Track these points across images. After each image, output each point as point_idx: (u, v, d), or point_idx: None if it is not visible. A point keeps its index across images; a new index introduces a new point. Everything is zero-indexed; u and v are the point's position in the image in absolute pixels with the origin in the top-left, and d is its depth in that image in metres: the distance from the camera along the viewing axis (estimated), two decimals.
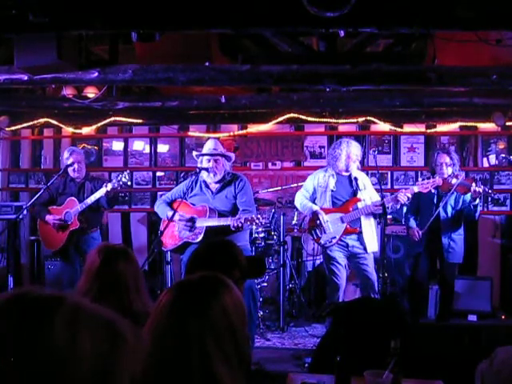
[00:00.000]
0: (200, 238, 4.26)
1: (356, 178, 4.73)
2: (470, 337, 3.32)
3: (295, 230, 6.02)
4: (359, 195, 4.73)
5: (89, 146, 7.08)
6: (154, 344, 1.31)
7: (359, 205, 4.70)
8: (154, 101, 5.81)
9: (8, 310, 0.80)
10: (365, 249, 4.68)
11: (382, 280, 4.49)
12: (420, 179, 4.83)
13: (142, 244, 6.95)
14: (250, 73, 4.37)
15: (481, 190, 4.66)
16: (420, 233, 4.93)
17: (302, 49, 4.45)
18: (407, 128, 6.53)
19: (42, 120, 6.54)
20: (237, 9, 3.21)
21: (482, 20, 3.11)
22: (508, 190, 6.38)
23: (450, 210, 4.95)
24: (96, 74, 4.36)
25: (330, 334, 3.16)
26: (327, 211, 4.76)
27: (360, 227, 4.70)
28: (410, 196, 4.62)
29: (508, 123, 5.99)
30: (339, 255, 4.75)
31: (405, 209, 5.20)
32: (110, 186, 4.84)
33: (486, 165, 6.46)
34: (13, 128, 6.77)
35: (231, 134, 6.76)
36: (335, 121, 6.34)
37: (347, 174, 4.79)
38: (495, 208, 6.42)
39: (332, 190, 4.79)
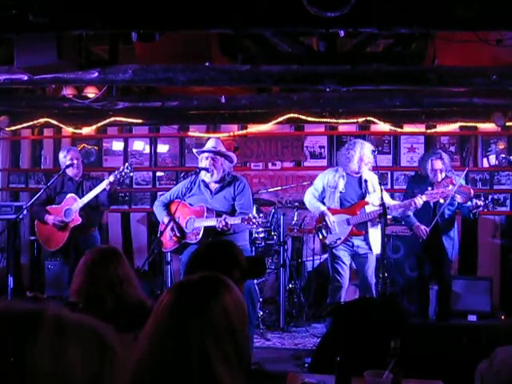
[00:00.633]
0: (199, 238, 4.25)
1: (366, 180, 4.72)
2: (469, 337, 3.32)
3: (295, 230, 6.02)
4: (367, 198, 4.72)
5: (89, 146, 7.09)
6: (155, 344, 1.31)
7: (367, 208, 4.70)
8: (154, 101, 5.81)
9: None
10: (370, 249, 4.68)
11: (381, 280, 4.49)
12: (429, 188, 4.75)
13: (142, 244, 6.95)
14: (250, 73, 4.37)
15: (481, 203, 4.66)
16: (427, 230, 4.82)
17: (302, 49, 4.45)
18: (407, 128, 6.53)
19: (42, 120, 6.54)
20: (237, 9, 3.21)
21: (482, 20, 3.11)
22: (508, 191, 6.38)
23: (446, 211, 4.94)
24: (96, 74, 4.36)
25: (330, 334, 3.16)
26: (334, 212, 4.78)
27: (366, 229, 4.71)
28: (419, 204, 4.62)
29: (508, 123, 6.00)
30: (344, 254, 4.80)
31: None
32: (112, 178, 4.82)
33: (485, 165, 6.46)
34: (13, 128, 6.77)
35: (231, 134, 6.76)
36: (335, 121, 6.34)
37: (358, 175, 4.79)
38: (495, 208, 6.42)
39: (341, 192, 4.80)
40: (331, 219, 4.74)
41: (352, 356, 2.24)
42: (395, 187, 6.52)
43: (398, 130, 6.51)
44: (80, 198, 5.00)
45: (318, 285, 6.00)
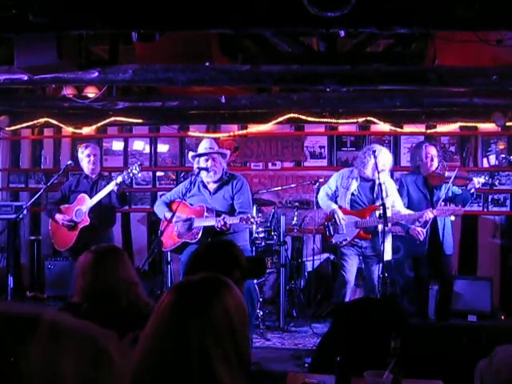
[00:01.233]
0: (198, 238, 4.26)
1: (380, 185, 4.67)
2: (469, 337, 3.32)
3: (295, 230, 6.02)
4: (378, 203, 4.68)
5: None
6: (155, 344, 1.31)
7: (377, 213, 4.70)
8: (154, 101, 5.81)
9: None
10: (377, 255, 4.65)
11: (381, 280, 4.50)
12: (442, 203, 4.70)
13: (142, 244, 6.95)
14: (250, 73, 4.37)
15: (482, 181, 4.67)
16: (423, 232, 4.78)
17: (302, 49, 4.45)
18: (407, 128, 6.53)
19: (42, 120, 6.54)
20: (237, 9, 3.21)
21: (482, 20, 3.11)
22: (508, 191, 6.37)
23: (441, 202, 4.90)
24: (96, 73, 4.36)
25: (330, 333, 3.16)
26: (345, 212, 4.81)
27: (374, 235, 4.73)
28: (429, 219, 4.63)
29: (508, 123, 5.99)
30: (351, 253, 4.84)
31: None
32: (119, 179, 4.75)
33: (486, 165, 6.46)
34: (13, 128, 6.77)
35: (231, 134, 6.76)
36: (335, 121, 6.34)
37: (371, 180, 4.79)
38: (495, 208, 6.42)
39: (353, 194, 4.82)
40: (341, 217, 4.76)
41: (352, 356, 2.24)
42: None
43: (398, 130, 6.51)
44: (92, 198, 4.94)
45: (317, 285, 6.00)
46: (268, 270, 5.60)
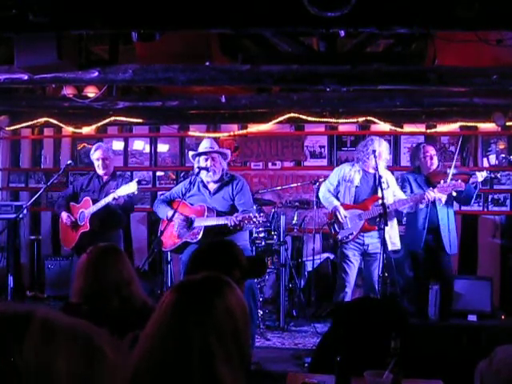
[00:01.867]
0: (199, 237, 4.26)
1: (380, 177, 4.70)
2: (469, 337, 3.33)
3: (295, 230, 6.03)
4: (381, 193, 4.70)
5: (89, 146, 7.08)
6: (157, 343, 1.31)
7: (379, 202, 4.69)
8: (154, 100, 5.81)
9: None
10: (384, 246, 4.58)
11: (381, 280, 4.50)
12: (442, 181, 4.70)
13: (142, 244, 6.95)
14: (250, 73, 4.37)
15: (485, 174, 4.67)
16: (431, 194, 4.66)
17: (302, 49, 4.44)
18: (407, 128, 6.53)
19: (42, 119, 6.54)
20: (237, 9, 3.21)
21: (483, 20, 3.11)
22: (508, 190, 6.38)
23: (443, 199, 4.86)
24: (96, 73, 4.36)
25: (330, 333, 3.16)
26: (347, 207, 4.81)
27: (380, 225, 4.69)
28: (432, 198, 4.64)
29: (508, 123, 5.99)
30: (353, 253, 4.82)
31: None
32: (117, 194, 4.63)
33: (486, 165, 6.45)
34: (13, 127, 6.78)
35: (231, 133, 6.76)
36: (335, 121, 6.34)
37: (373, 171, 4.80)
38: (495, 208, 6.42)
39: (357, 186, 4.83)
40: (343, 214, 4.76)
41: (352, 356, 2.24)
42: None
43: (398, 129, 6.51)
44: (102, 198, 4.85)
45: (318, 284, 6.01)
46: (268, 270, 5.60)
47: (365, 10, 3.07)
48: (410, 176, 5.12)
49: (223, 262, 2.21)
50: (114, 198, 4.66)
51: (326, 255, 6.23)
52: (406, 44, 4.70)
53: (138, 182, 4.76)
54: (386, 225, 4.43)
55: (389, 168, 6.51)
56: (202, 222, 4.26)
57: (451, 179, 4.76)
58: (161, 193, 6.28)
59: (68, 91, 5.52)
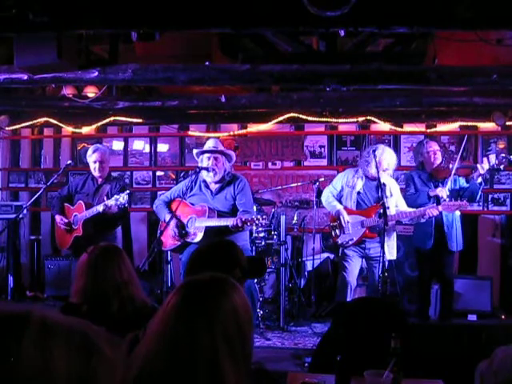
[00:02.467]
0: (199, 237, 4.25)
1: (384, 185, 4.69)
2: (469, 336, 3.32)
3: (295, 230, 6.02)
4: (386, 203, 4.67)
5: (89, 146, 7.08)
6: (163, 343, 1.30)
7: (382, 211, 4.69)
8: (154, 100, 5.81)
9: None
10: (383, 254, 4.63)
11: (381, 280, 4.50)
12: (447, 199, 4.66)
13: (142, 244, 6.95)
14: (250, 72, 4.36)
15: (487, 167, 4.66)
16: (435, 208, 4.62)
17: (302, 48, 4.45)
18: (407, 127, 6.53)
19: (41, 119, 6.54)
20: (237, 8, 3.20)
21: (483, 20, 3.11)
22: (508, 190, 6.38)
23: (444, 195, 4.79)
24: (96, 73, 4.36)
25: (330, 333, 3.16)
26: (350, 212, 4.80)
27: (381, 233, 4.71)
28: (434, 215, 4.61)
29: (508, 123, 5.99)
30: (354, 254, 4.84)
31: None
32: (107, 204, 4.58)
33: (485, 164, 6.44)
34: (13, 127, 6.78)
35: (231, 133, 6.76)
36: (335, 120, 6.33)
37: (375, 180, 4.77)
38: (495, 208, 6.42)
39: (358, 192, 4.82)
40: (346, 218, 4.76)
41: (352, 356, 2.25)
42: None
43: (398, 129, 6.51)
44: (95, 202, 4.85)
45: (317, 284, 6.00)
46: (268, 270, 5.60)
47: (365, 9, 3.07)
48: (413, 174, 5.10)
49: (223, 262, 2.21)
50: (106, 206, 4.60)
51: (326, 255, 6.23)
52: (406, 43, 4.71)
53: (130, 195, 4.72)
54: (387, 224, 4.43)
55: None
56: (203, 223, 4.25)
57: (454, 174, 4.77)
58: (160, 192, 6.28)
59: (68, 91, 5.52)
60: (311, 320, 5.54)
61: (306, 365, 4.19)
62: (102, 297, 2.31)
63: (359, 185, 4.83)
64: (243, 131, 6.75)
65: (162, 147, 7.03)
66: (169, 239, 4.47)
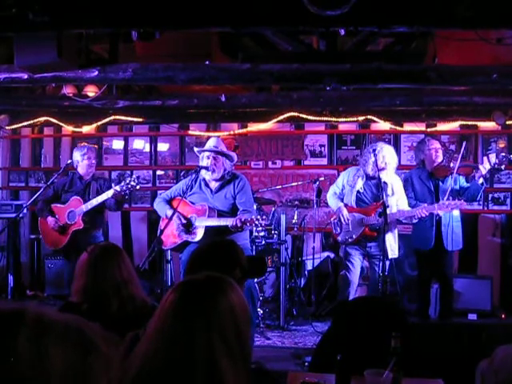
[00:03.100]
0: (199, 237, 4.25)
1: (385, 183, 4.69)
2: (469, 336, 3.32)
3: (295, 229, 6.02)
4: (387, 202, 4.66)
5: (89, 145, 7.08)
6: (161, 341, 1.31)
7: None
8: (154, 99, 5.81)
9: None
10: (384, 252, 4.61)
11: (381, 280, 4.50)
12: (445, 199, 4.66)
13: (143, 243, 6.95)
14: (250, 71, 4.36)
15: (488, 166, 4.66)
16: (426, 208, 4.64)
17: (302, 47, 4.44)
18: (407, 127, 6.53)
19: (42, 119, 6.54)
20: (237, 8, 3.20)
21: (483, 19, 3.11)
22: (508, 189, 6.37)
23: (447, 195, 4.82)
24: (96, 72, 4.36)
25: (331, 332, 3.16)
26: (351, 210, 4.83)
27: (381, 233, 4.70)
28: (422, 215, 4.61)
29: (508, 122, 5.99)
30: (355, 253, 4.86)
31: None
32: (118, 188, 4.73)
33: (486, 164, 6.44)
34: (13, 127, 6.78)
35: (231, 132, 6.76)
36: (335, 119, 6.34)
37: (375, 178, 4.77)
38: (495, 207, 6.42)
39: (358, 191, 4.84)
40: (345, 216, 4.79)
41: (352, 355, 2.24)
42: None
43: (399, 128, 6.50)
44: (85, 199, 4.95)
45: (318, 283, 6.00)
46: (268, 269, 5.60)
47: (365, 8, 3.07)
48: (413, 174, 5.09)
49: (224, 261, 2.21)
50: (116, 191, 4.73)
51: (326, 254, 6.23)
52: (406, 43, 4.70)
53: (138, 177, 4.93)
54: (387, 224, 4.43)
55: None
56: (203, 222, 4.24)
57: (456, 172, 4.77)
58: (161, 191, 6.28)
59: (68, 90, 5.52)
60: (311, 319, 5.54)
61: (306, 364, 4.20)
62: (102, 296, 2.31)
63: (359, 184, 4.84)
64: (243, 130, 6.75)
65: (162, 146, 7.03)
66: (169, 238, 4.47)
